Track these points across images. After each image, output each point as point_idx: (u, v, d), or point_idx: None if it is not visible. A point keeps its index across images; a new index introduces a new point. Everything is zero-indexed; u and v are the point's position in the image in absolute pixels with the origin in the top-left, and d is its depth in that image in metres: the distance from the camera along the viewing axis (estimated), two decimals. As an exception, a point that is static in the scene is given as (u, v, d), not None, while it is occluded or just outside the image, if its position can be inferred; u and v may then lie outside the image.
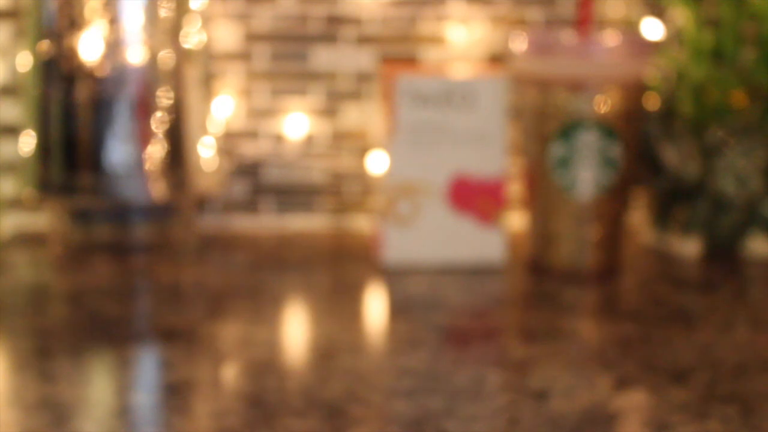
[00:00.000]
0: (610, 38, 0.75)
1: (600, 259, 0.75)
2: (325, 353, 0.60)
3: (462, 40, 0.86)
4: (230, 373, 0.58)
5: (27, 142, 0.77)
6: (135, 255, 0.78)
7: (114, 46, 0.74)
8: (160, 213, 0.81)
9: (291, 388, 0.55)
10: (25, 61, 0.77)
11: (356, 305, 0.70)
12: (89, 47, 0.74)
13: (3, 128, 0.84)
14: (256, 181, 0.87)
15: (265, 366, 0.58)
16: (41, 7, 0.75)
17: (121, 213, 0.80)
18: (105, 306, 0.67)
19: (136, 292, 0.71)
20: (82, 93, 0.74)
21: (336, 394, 0.54)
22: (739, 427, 0.51)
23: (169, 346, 0.61)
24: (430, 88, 0.75)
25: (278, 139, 0.86)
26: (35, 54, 0.76)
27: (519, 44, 0.75)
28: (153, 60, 0.75)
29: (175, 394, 0.54)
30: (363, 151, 0.87)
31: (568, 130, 0.73)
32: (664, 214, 0.81)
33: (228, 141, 0.85)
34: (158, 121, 0.75)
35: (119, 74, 0.74)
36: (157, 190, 0.76)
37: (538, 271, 0.76)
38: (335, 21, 0.86)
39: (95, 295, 0.70)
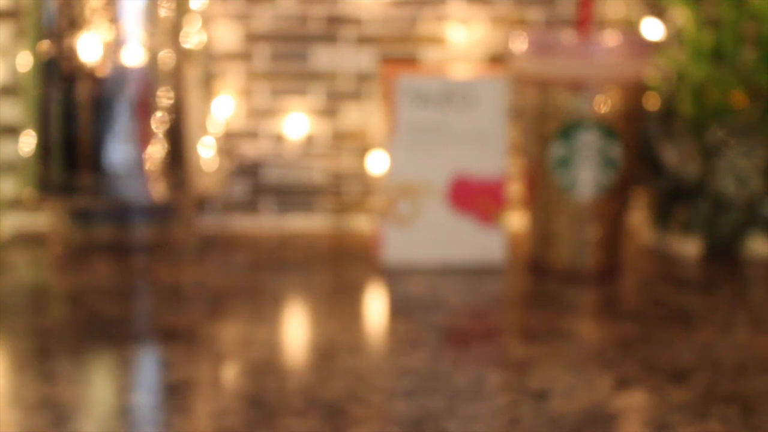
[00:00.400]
0: (610, 38, 0.75)
1: (600, 259, 0.75)
2: (325, 353, 0.60)
3: (462, 40, 0.86)
4: (230, 373, 0.58)
5: (27, 142, 0.77)
6: (135, 255, 0.78)
7: (114, 46, 0.74)
8: (160, 213, 0.81)
9: (291, 388, 0.55)
10: (25, 61, 0.77)
11: (356, 305, 0.70)
12: (89, 47, 0.74)
13: (3, 128, 0.84)
14: (256, 181, 0.87)
15: (265, 366, 0.58)
16: (41, 7, 0.75)
17: (121, 213, 0.80)
18: (105, 306, 0.67)
19: (136, 292, 0.71)
20: (82, 93, 0.74)
21: (336, 394, 0.54)
22: (739, 428, 0.51)
23: (169, 346, 0.61)
24: (430, 88, 0.75)
25: (278, 139, 0.86)
26: (35, 54, 0.76)
27: (519, 44, 0.75)
28: (153, 60, 0.75)
29: (175, 394, 0.54)
30: (363, 151, 0.87)
31: (568, 130, 0.73)
32: (664, 214, 0.81)
33: (228, 141, 0.85)
34: (158, 121, 0.75)
35: (119, 74, 0.74)
36: (157, 190, 0.76)
37: (538, 271, 0.76)
38: (335, 21, 0.86)
39: (95, 295, 0.70)
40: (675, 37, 0.85)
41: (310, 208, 0.87)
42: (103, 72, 0.74)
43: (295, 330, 0.66)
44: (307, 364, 0.59)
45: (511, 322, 0.68)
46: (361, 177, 0.87)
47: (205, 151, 0.79)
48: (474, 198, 0.76)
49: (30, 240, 0.82)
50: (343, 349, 0.61)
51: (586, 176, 0.73)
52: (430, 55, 0.87)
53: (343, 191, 0.87)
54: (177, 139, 0.76)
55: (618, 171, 0.73)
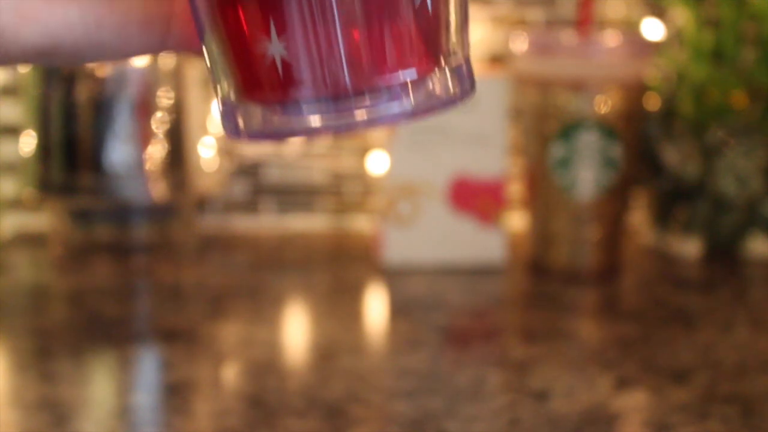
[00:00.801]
0: (611, 39, 0.75)
1: (600, 260, 0.75)
2: (325, 353, 0.60)
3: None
4: (230, 373, 0.58)
5: (27, 142, 0.77)
6: (135, 255, 0.78)
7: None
8: (161, 213, 0.81)
9: (291, 388, 0.55)
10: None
11: (356, 305, 0.70)
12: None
13: (3, 128, 0.84)
14: (256, 181, 0.87)
15: (265, 366, 0.58)
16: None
17: (121, 213, 0.80)
18: (105, 306, 0.67)
19: (136, 292, 0.71)
20: (82, 93, 0.74)
21: (336, 395, 0.54)
22: (739, 428, 0.51)
23: (169, 347, 0.61)
24: (430, 88, 0.75)
25: (278, 139, 0.86)
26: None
27: (519, 44, 0.75)
28: (153, 60, 0.75)
29: (175, 394, 0.54)
30: (363, 151, 0.87)
31: (568, 130, 0.73)
32: (664, 215, 0.81)
33: (228, 141, 0.85)
34: (158, 122, 0.75)
35: (120, 74, 0.74)
36: (158, 190, 0.76)
37: (539, 271, 0.76)
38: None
39: (95, 295, 0.70)
40: (675, 37, 0.85)
41: (310, 208, 0.87)
42: (103, 72, 0.74)
43: (295, 330, 0.66)
44: (307, 364, 0.59)
45: (511, 322, 0.68)
46: (361, 177, 0.87)
47: (205, 151, 0.79)
48: (474, 198, 0.76)
49: (30, 240, 0.82)
50: (343, 350, 0.61)
51: (587, 176, 0.73)
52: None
53: (343, 191, 0.87)
54: (177, 139, 0.76)
55: (618, 171, 0.73)
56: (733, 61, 0.80)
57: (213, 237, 0.84)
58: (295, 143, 0.86)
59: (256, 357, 0.59)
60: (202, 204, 0.86)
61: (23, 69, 0.77)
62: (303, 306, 0.70)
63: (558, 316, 0.67)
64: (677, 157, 0.79)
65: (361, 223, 0.87)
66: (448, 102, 0.31)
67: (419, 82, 0.30)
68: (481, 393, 0.55)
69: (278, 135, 0.31)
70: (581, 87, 0.72)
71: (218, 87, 0.31)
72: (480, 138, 0.76)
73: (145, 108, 0.75)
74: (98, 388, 0.56)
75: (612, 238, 0.75)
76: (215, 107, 0.82)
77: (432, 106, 0.31)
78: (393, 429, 0.51)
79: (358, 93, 0.30)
